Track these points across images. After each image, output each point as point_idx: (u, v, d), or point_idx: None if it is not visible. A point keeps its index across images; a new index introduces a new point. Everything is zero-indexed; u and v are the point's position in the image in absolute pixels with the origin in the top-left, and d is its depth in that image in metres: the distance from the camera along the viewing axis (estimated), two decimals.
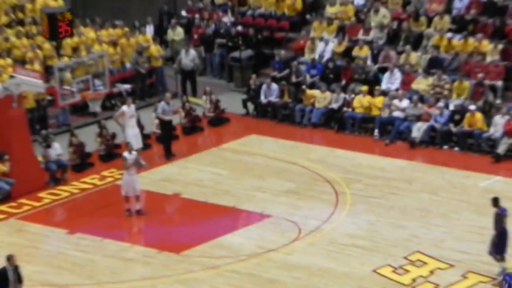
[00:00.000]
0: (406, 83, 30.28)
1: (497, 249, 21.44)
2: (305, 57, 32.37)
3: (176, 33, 34.31)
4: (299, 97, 31.07)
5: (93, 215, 25.59)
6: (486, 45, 30.27)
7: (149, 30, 34.28)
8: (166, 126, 28.67)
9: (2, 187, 26.40)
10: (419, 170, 27.42)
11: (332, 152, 28.79)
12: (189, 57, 32.96)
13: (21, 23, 32.93)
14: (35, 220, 25.43)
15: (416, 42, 31.41)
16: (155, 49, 33.04)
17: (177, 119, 30.20)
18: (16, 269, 19.90)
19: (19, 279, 19.93)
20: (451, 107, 29.05)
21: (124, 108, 27.91)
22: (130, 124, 27.77)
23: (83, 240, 24.17)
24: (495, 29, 30.81)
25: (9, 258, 19.90)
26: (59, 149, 27.70)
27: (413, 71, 30.52)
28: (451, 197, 25.55)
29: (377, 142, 29.37)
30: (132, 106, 28.09)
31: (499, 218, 21.37)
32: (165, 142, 28.73)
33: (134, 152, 25.46)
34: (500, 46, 30.05)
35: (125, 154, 25.30)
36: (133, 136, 27.67)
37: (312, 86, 31.33)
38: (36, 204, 26.31)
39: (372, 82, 30.55)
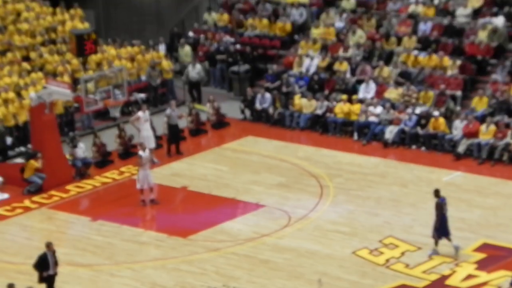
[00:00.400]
0: (379, 93, 30.09)
1: (438, 233, 21.25)
2: (293, 70, 32.17)
3: (185, 51, 34.09)
4: (288, 105, 30.68)
5: (112, 205, 25.34)
6: (447, 61, 30.11)
7: (162, 48, 34.16)
8: (171, 129, 28.40)
9: (35, 181, 26.11)
10: (391, 166, 27.06)
11: (317, 151, 28.44)
12: (195, 70, 32.84)
13: (53, 42, 32.81)
14: (63, 209, 25.14)
15: (388, 58, 31.13)
16: (166, 64, 32.91)
17: (185, 123, 29.80)
18: (54, 254, 19.45)
19: (56, 263, 19.47)
20: (418, 113, 28.69)
21: (140, 113, 27.77)
22: (145, 128, 27.58)
23: (103, 226, 23.90)
24: (454, 47, 30.65)
25: (48, 245, 19.42)
26: (84, 148, 27.46)
27: (385, 83, 30.29)
28: (419, 189, 25.21)
29: (356, 143, 29.02)
30: (147, 112, 27.97)
31: (439, 207, 21.25)
32: (169, 142, 28.40)
33: (147, 151, 25.20)
34: (459, 62, 29.87)
35: (140, 152, 25.00)
36: (147, 137, 27.46)
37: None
38: (64, 195, 25.99)
39: (351, 92, 30.32)
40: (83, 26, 33.51)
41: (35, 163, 26.16)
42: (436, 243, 21.33)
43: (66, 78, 30.04)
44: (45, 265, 19.32)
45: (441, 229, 21.26)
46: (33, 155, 26.48)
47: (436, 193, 21.37)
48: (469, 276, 20.52)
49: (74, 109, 30.26)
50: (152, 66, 32.36)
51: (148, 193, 24.90)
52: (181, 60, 34.16)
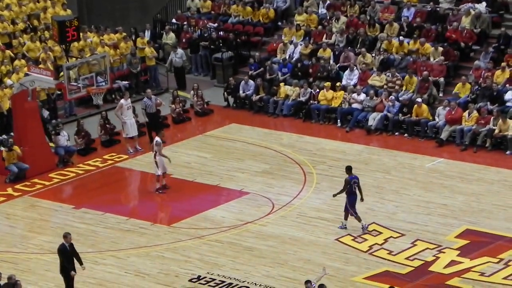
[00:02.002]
0: (362, 80, 30.02)
1: (350, 208, 21.87)
2: (277, 57, 31.98)
3: (169, 38, 33.93)
4: (272, 92, 30.60)
5: (96, 193, 25.24)
6: (430, 48, 30.01)
7: (147, 35, 33.87)
8: (150, 117, 28.21)
9: (12, 170, 25.86)
10: (374, 153, 27.07)
11: (300, 138, 28.41)
12: (178, 55, 32.64)
13: (35, 29, 32.51)
14: (46, 197, 25.04)
15: (371, 45, 31.03)
16: (149, 51, 32.68)
17: (168, 110, 29.72)
18: (72, 246, 19.12)
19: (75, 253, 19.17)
20: (401, 100, 28.70)
21: (122, 101, 27.68)
22: (128, 115, 27.47)
23: (87, 214, 23.81)
24: (437, 34, 30.60)
25: (66, 236, 19.11)
26: (67, 136, 27.32)
27: (369, 69, 30.18)
28: (402, 176, 25.25)
29: (339, 130, 28.99)
30: (129, 100, 27.85)
31: (346, 183, 21.86)
32: (149, 130, 28.18)
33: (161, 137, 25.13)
34: (441, 48, 29.78)
35: (157, 138, 24.84)
36: (130, 125, 27.45)
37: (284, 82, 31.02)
38: (47, 183, 25.90)
39: (334, 79, 30.25)
40: (65, 13, 33.30)
41: (18, 150, 25.99)
42: (345, 217, 22.04)
43: (49, 65, 29.84)
44: (66, 257, 18.97)
45: (349, 206, 21.88)
46: (5, 143, 26.25)
47: (348, 170, 21.98)
48: (452, 262, 20.60)
49: (57, 97, 30.11)
50: (133, 53, 32.22)
51: (161, 179, 24.85)
52: (166, 47, 33.98)
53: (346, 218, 22.11)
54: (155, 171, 24.92)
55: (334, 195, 22.33)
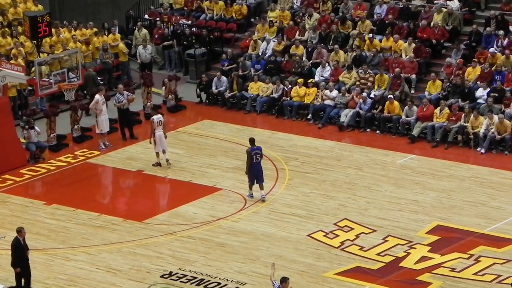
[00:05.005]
0: (335, 76, 30.03)
1: (250, 178, 23.36)
2: (249, 53, 31.99)
3: (141, 34, 33.79)
4: (245, 88, 30.65)
5: (67, 189, 25.16)
6: (402, 44, 30.15)
7: (116, 31, 33.73)
8: (122, 113, 28.17)
9: None
10: (346, 149, 27.17)
11: (273, 134, 28.47)
12: (148, 51, 32.55)
13: (7, 24, 32.29)
14: (16, 193, 24.94)
15: (344, 41, 31.11)
16: (123, 47, 32.55)
17: (140, 106, 29.70)
18: (24, 240, 19.22)
19: (27, 247, 19.35)
20: (373, 96, 28.82)
21: (97, 96, 27.61)
22: (103, 110, 27.42)
23: (58, 210, 23.72)
24: (409, 31, 30.72)
25: (20, 230, 19.17)
26: (38, 131, 27.15)
27: (341, 66, 30.24)
28: (373, 172, 25.35)
29: (311, 126, 29.05)
30: (102, 95, 27.78)
31: (247, 154, 23.36)
32: (122, 126, 28.24)
33: (159, 115, 26.10)
34: (413, 45, 29.89)
35: (154, 116, 25.85)
36: (104, 120, 27.44)
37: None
38: (18, 179, 25.79)
39: (307, 75, 30.27)
40: (37, 8, 33.12)
41: None
42: (261, 187, 23.45)
43: (20, 61, 29.66)
44: (19, 252, 19.09)
45: (251, 176, 23.29)
46: None
47: (250, 142, 23.55)
48: (423, 258, 20.72)
49: (28, 92, 29.95)
50: (105, 49, 32.11)
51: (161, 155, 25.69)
52: (138, 43, 33.90)
53: (262, 188, 23.47)
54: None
55: (246, 172, 23.50)
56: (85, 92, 30.05)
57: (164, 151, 25.83)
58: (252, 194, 23.73)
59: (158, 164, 25.83)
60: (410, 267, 20.41)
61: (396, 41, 30.23)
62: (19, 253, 19.09)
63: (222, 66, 31.93)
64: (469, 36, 30.02)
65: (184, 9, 35.19)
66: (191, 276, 20.16)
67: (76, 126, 28.16)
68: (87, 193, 24.74)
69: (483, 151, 26.48)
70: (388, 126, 28.21)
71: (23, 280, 19.30)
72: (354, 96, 28.91)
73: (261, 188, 23.59)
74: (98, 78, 31.28)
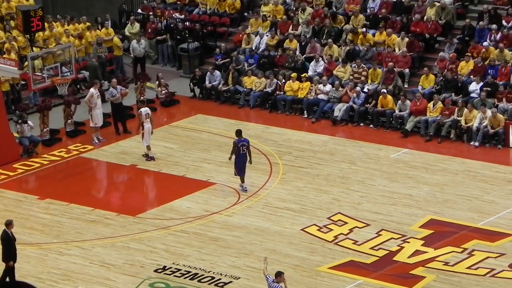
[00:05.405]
0: (328, 70, 30.02)
1: (237, 170, 23.56)
2: (243, 48, 31.96)
3: (134, 28, 33.73)
4: (240, 82, 30.62)
5: (61, 183, 25.12)
6: (395, 39, 30.15)
7: (109, 25, 33.66)
8: (115, 107, 28.12)
9: None
10: (340, 144, 27.16)
11: (266, 129, 28.45)
12: (141, 45, 32.45)
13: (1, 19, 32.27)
14: (10, 187, 24.89)
15: (337, 36, 31.11)
16: (117, 41, 32.51)
17: (133, 100, 29.64)
18: (12, 232, 19.22)
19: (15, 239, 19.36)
20: (367, 91, 28.82)
21: (92, 90, 27.58)
22: (97, 104, 27.42)
23: (51, 205, 23.69)
24: (403, 25, 30.74)
25: (9, 223, 19.16)
26: (32, 126, 27.09)
27: (335, 60, 30.23)
28: (367, 167, 25.35)
29: (305, 120, 29.05)
30: (97, 89, 27.78)
31: (234, 145, 23.57)
32: (115, 121, 28.20)
33: (147, 108, 26.15)
34: (407, 40, 29.90)
35: (142, 109, 25.81)
36: (99, 114, 27.47)
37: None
38: (11, 173, 25.73)
39: (300, 70, 30.26)
40: (29, 2, 33.06)
41: None
42: (242, 180, 23.72)
43: (13, 55, 29.59)
44: (9, 244, 19.07)
45: (238, 167, 23.47)
46: None
47: (237, 133, 23.70)
48: (416, 252, 20.75)
49: (21, 87, 29.89)
50: (99, 43, 32.06)
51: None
52: (130, 37, 33.84)
53: (242, 181, 23.69)
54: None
55: (229, 158, 23.77)
56: (87, 83, 30.00)
57: (148, 147, 25.77)
58: (246, 187, 23.74)
59: (152, 158, 25.79)
60: (404, 261, 20.44)
61: (390, 35, 30.25)
62: (9, 246, 19.01)
63: (215, 61, 31.90)
64: (462, 30, 30.04)
65: (177, 3, 35.13)
66: (185, 271, 20.16)
67: (69, 121, 28.15)
68: (80, 188, 24.70)
69: (476, 144, 26.52)
70: (382, 121, 28.22)
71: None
72: (348, 90, 28.93)
73: (243, 180, 23.77)
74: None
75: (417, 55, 29.89)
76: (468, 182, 24.27)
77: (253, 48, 31.82)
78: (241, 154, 23.56)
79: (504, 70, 28.12)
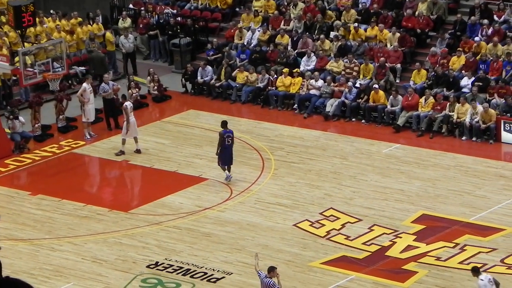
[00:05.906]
0: (320, 66, 29.93)
1: (221, 161, 23.76)
2: (235, 43, 31.91)
3: (126, 23, 33.64)
4: (232, 77, 30.56)
5: (53, 179, 25.06)
6: (387, 34, 30.17)
7: (100, 21, 33.52)
8: (107, 103, 28.09)
9: None
10: (332, 139, 27.17)
11: (258, 124, 28.43)
12: (130, 40, 32.38)
13: None
14: (1, 183, 24.79)
15: (329, 31, 31.10)
16: (110, 36, 32.40)
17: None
18: None
19: None
20: (358, 86, 28.81)
21: (85, 85, 27.56)
22: (90, 99, 27.39)
23: (43, 201, 23.63)
24: (394, 20, 30.74)
25: None
26: (23, 121, 27.03)
27: (326, 56, 30.19)
28: (359, 162, 25.37)
29: (297, 116, 29.00)
30: (90, 84, 27.76)
31: (220, 137, 23.79)
32: (107, 116, 28.16)
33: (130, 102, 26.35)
34: (398, 35, 29.90)
35: (126, 103, 25.89)
36: (91, 110, 27.41)
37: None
38: (3, 169, 25.64)
39: (292, 65, 30.22)
40: None
41: None
42: (228, 169, 23.85)
43: (4, 51, 29.45)
44: None
45: (222, 158, 23.67)
46: None
47: (223, 124, 23.95)
48: (409, 247, 20.77)
49: (13, 82, 29.80)
50: (91, 38, 31.96)
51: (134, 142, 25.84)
52: (122, 33, 33.72)
53: (229, 170, 23.87)
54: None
55: (216, 153, 23.81)
56: (93, 72, 29.99)
57: (136, 139, 25.82)
58: (230, 176, 23.86)
59: (122, 153, 25.70)
60: (396, 256, 20.46)
61: (381, 30, 30.25)
62: None
63: (207, 56, 31.84)
64: (454, 26, 30.05)
65: None
66: (177, 266, 20.14)
67: (61, 116, 28.07)
68: (72, 183, 24.64)
69: (469, 138, 26.52)
70: (373, 116, 28.21)
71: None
72: (340, 85, 28.90)
73: (229, 169, 23.91)
74: (83, 68, 31.19)
75: (408, 50, 29.89)
76: (459, 177, 24.30)
77: (245, 43, 31.76)
78: (226, 145, 23.61)
79: (496, 65, 28.14)
